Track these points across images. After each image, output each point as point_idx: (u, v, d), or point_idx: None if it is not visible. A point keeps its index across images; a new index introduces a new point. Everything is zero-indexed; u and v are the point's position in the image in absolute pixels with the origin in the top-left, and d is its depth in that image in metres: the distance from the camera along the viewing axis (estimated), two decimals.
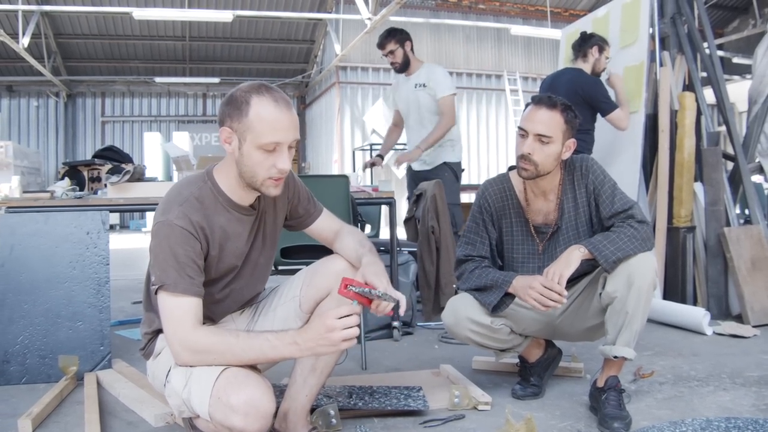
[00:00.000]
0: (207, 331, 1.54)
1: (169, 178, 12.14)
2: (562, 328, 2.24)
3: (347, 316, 1.48)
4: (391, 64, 4.11)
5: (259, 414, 1.44)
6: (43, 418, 2.03)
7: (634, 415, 1.97)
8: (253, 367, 1.55)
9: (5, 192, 3.03)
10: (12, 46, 11.62)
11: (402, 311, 1.62)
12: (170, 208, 1.58)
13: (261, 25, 15.39)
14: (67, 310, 2.54)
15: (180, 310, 1.52)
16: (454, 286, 3.31)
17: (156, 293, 1.55)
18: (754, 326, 3.31)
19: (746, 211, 4.08)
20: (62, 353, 2.47)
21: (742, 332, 3.17)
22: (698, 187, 3.80)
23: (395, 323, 3.18)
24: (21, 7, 11.26)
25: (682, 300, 3.63)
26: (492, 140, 15.24)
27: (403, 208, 4.18)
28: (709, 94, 4.01)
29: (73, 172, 5.09)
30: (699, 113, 3.89)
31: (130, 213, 14.93)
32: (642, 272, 1.94)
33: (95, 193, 3.35)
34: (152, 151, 14.07)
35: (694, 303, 3.65)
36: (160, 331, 1.68)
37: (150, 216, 12.83)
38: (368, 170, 8.90)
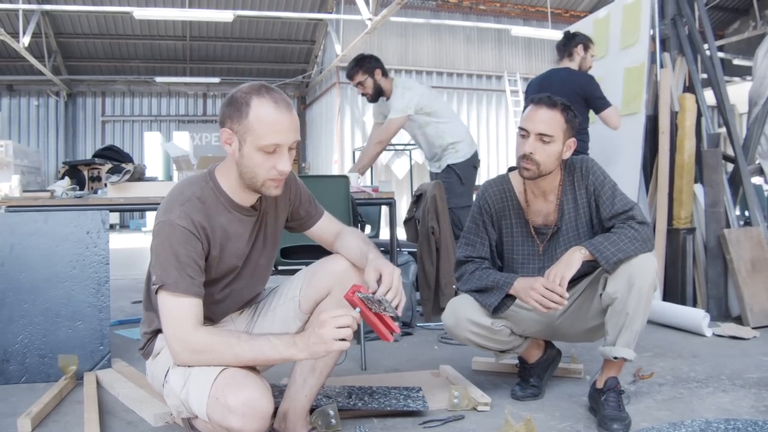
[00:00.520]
0: (207, 331, 1.54)
1: (170, 177, 12.14)
2: (562, 329, 2.24)
3: (343, 316, 1.47)
4: (362, 95, 3.97)
5: (257, 415, 1.44)
6: (42, 417, 2.03)
7: (633, 416, 1.97)
8: (251, 368, 1.55)
9: (5, 191, 3.03)
10: (12, 45, 11.62)
11: (397, 330, 1.60)
12: (172, 207, 1.58)
13: (261, 25, 15.40)
14: (66, 309, 2.54)
15: (180, 310, 1.52)
16: (454, 287, 3.31)
17: (156, 293, 1.55)
18: (753, 328, 3.31)
19: (746, 213, 4.08)
20: (62, 353, 2.47)
21: (741, 334, 3.17)
22: (698, 188, 3.80)
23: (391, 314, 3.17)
24: (21, 6, 11.27)
25: (682, 301, 3.63)
26: (492, 141, 15.24)
27: (403, 209, 4.17)
28: (709, 96, 4.01)
29: (73, 171, 5.09)
30: (699, 115, 3.90)
31: (130, 213, 14.95)
32: (642, 273, 1.94)
33: (95, 192, 3.35)
34: (152, 150, 14.07)
35: (694, 304, 3.66)
36: (159, 330, 1.68)
37: (150, 216, 12.85)
38: (368, 170, 8.89)
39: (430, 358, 2.84)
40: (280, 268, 2.88)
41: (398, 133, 4.41)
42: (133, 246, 10.12)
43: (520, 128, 2.10)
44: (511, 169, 2.26)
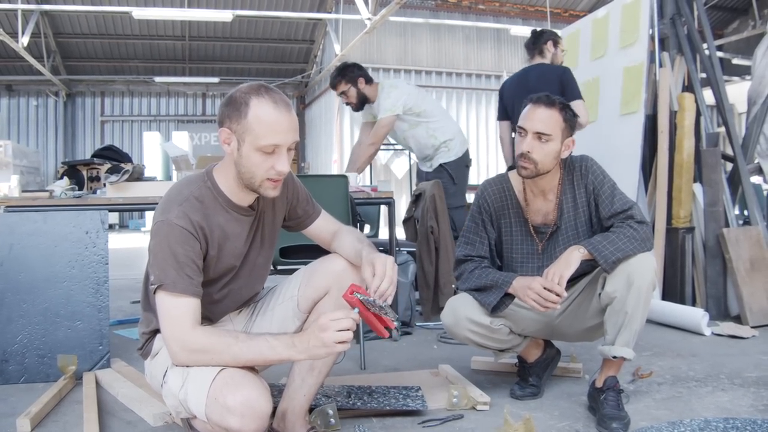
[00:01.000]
0: (205, 331, 1.54)
1: (169, 177, 12.13)
2: (562, 329, 2.24)
3: (343, 319, 1.47)
4: (346, 104, 3.96)
5: (255, 415, 1.44)
6: (41, 417, 2.03)
7: (632, 415, 1.97)
8: (249, 368, 1.55)
9: (4, 191, 3.03)
10: (11, 45, 11.61)
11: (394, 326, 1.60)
12: (170, 207, 1.58)
13: (261, 24, 15.40)
14: (65, 309, 2.54)
15: (178, 309, 1.52)
16: (453, 286, 3.31)
17: (155, 293, 1.55)
18: (752, 327, 3.31)
19: (745, 212, 4.08)
20: (61, 353, 2.46)
21: (740, 333, 3.17)
22: (697, 187, 3.80)
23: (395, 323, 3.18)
24: (20, 6, 11.25)
25: (681, 300, 3.63)
26: (492, 141, 15.23)
27: (402, 208, 4.17)
28: (708, 95, 4.01)
29: (72, 171, 5.09)
30: (698, 114, 3.90)
31: (129, 212, 14.93)
32: (641, 272, 1.94)
33: (94, 192, 3.35)
34: (151, 150, 14.07)
35: (693, 304, 3.66)
36: (157, 330, 1.68)
37: (149, 215, 12.83)
38: (367, 170, 8.89)
39: (429, 357, 2.85)
40: (279, 267, 2.88)
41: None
42: (132, 246, 10.12)
43: (519, 127, 2.10)
44: (510, 168, 2.26)
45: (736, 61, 14.56)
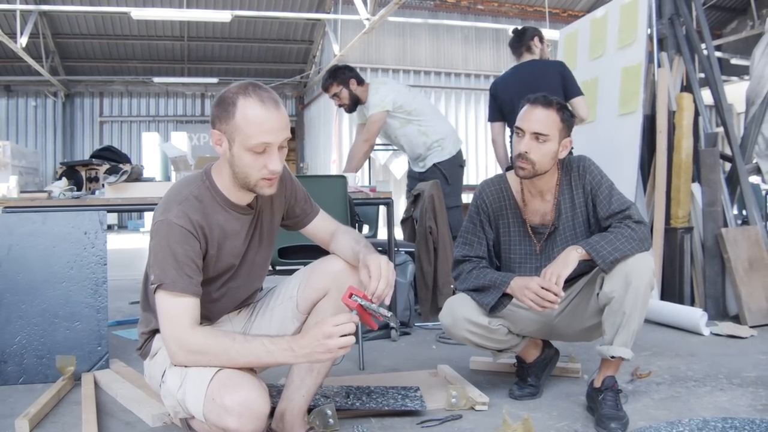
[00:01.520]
0: (204, 331, 1.54)
1: (167, 178, 12.12)
2: (560, 329, 2.24)
3: (346, 324, 1.48)
4: (339, 106, 3.98)
5: (253, 415, 1.44)
6: (40, 418, 2.03)
7: (631, 415, 1.97)
8: (248, 369, 1.55)
9: (3, 192, 3.04)
10: (10, 45, 11.59)
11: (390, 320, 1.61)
12: (170, 207, 1.58)
13: (259, 25, 15.38)
14: (64, 310, 2.54)
15: (177, 309, 1.52)
16: (452, 286, 3.31)
17: (154, 292, 1.55)
18: (751, 327, 3.31)
19: (744, 212, 4.09)
20: (60, 353, 2.46)
21: (739, 333, 3.18)
22: (696, 187, 3.81)
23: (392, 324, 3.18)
24: (19, 6, 11.24)
25: (680, 300, 3.64)
26: (490, 141, 15.22)
27: (401, 208, 4.17)
28: (706, 95, 4.01)
29: (71, 172, 5.07)
30: (697, 114, 3.90)
31: (127, 213, 14.92)
32: (639, 272, 1.94)
33: (93, 193, 3.35)
34: (150, 151, 14.06)
35: (692, 303, 3.66)
36: (157, 331, 1.68)
37: (148, 216, 12.83)
38: (366, 171, 8.91)
39: (428, 357, 2.85)
40: (277, 268, 2.88)
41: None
42: (130, 246, 10.11)
43: (516, 127, 2.10)
44: (508, 169, 2.26)
45: (734, 61, 14.57)
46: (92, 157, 5.41)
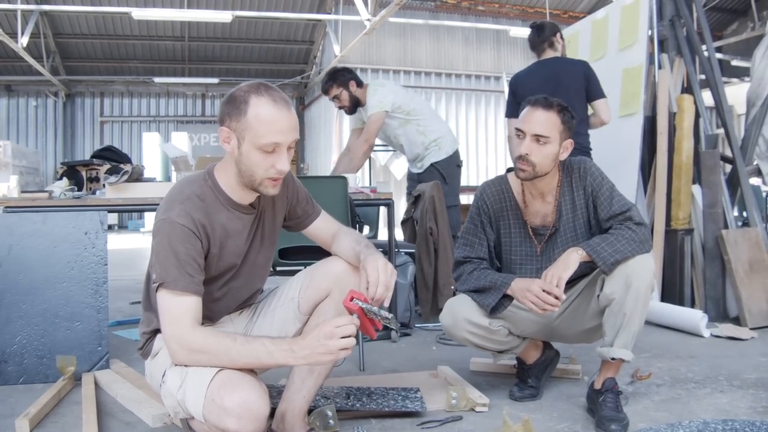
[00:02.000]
0: (205, 331, 1.54)
1: (168, 178, 12.14)
2: (560, 330, 2.24)
3: (347, 326, 1.48)
4: (340, 108, 3.97)
5: (253, 416, 1.44)
6: (40, 418, 2.03)
7: (631, 417, 1.97)
8: (248, 370, 1.55)
9: (3, 192, 3.04)
10: (11, 45, 11.60)
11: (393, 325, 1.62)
12: (172, 206, 1.59)
13: (260, 25, 15.40)
14: (65, 310, 2.54)
15: (179, 308, 1.52)
16: (452, 287, 3.31)
17: (156, 291, 1.55)
18: (751, 328, 3.31)
19: (744, 214, 4.09)
20: (60, 353, 2.46)
21: (739, 334, 3.17)
22: (696, 189, 3.81)
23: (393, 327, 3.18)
24: (20, 6, 11.25)
25: (680, 302, 3.64)
26: (491, 142, 15.24)
27: (402, 209, 4.17)
28: (707, 97, 4.02)
29: (72, 172, 5.07)
30: (697, 116, 3.90)
31: (128, 213, 14.92)
32: (640, 274, 1.94)
33: (93, 193, 3.35)
34: (151, 151, 14.08)
35: (692, 305, 3.66)
36: (158, 330, 1.68)
37: (148, 216, 12.85)
38: (366, 172, 8.90)
39: (429, 358, 2.85)
40: (278, 269, 2.88)
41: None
42: (131, 246, 10.12)
43: (517, 129, 2.11)
44: (509, 170, 2.27)
45: (735, 62, 14.58)
46: (93, 157, 5.42)
